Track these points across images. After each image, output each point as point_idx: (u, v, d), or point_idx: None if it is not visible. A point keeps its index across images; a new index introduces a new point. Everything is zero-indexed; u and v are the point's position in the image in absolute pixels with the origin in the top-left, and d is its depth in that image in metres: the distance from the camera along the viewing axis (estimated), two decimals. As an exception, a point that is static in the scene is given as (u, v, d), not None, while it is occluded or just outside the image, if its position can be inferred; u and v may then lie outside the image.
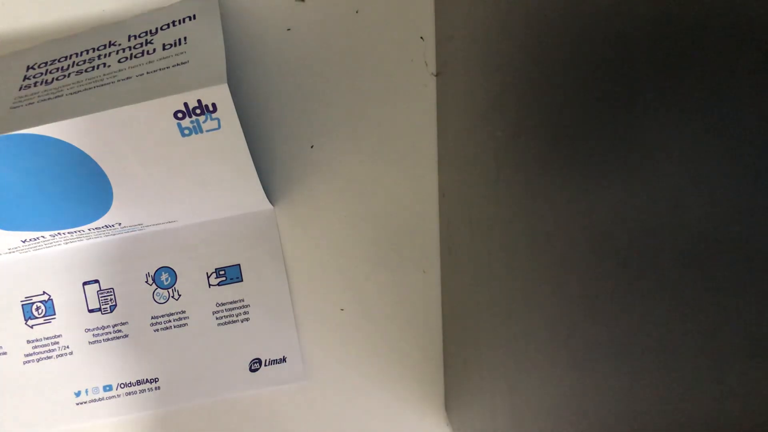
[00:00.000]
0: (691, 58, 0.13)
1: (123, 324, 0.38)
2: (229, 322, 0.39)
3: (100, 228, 0.36)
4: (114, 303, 0.38)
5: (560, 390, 0.20)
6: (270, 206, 0.38)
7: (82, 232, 0.36)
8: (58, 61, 0.34)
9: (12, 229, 0.35)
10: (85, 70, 0.33)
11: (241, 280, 0.38)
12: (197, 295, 0.38)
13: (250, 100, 0.37)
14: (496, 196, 0.26)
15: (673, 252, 0.14)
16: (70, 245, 0.37)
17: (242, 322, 0.39)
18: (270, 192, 0.38)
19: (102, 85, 0.32)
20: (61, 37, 0.36)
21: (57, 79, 0.33)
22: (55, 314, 0.38)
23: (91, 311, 0.38)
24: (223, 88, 0.30)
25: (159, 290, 0.38)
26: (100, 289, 0.38)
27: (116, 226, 0.36)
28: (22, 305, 0.38)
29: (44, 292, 0.38)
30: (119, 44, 0.34)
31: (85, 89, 0.32)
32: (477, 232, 0.29)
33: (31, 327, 0.38)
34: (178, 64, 0.32)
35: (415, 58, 0.37)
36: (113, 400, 0.39)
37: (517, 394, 0.24)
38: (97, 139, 0.31)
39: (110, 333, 0.38)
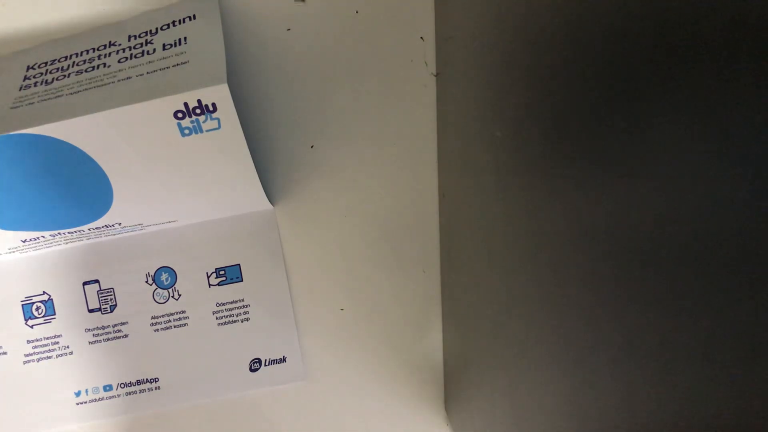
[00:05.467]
0: (692, 57, 0.13)
1: (123, 324, 0.38)
2: (229, 322, 0.39)
3: (100, 228, 0.36)
4: (114, 303, 0.38)
5: (560, 390, 0.20)
6: (270, 206, 0.38)
7: (82, 232, 0.36)
8: (58, 61, 0.34)
9: (12, 229, 0.35)
10: (85, 70, 0.33)
11: (241, 280, 0.38)
12: (197, 295, 0.38)
13: (250, 100, 0.37)
14: (496, 196, 0.26)
15: (673, 252, 0.14)
16: (70, 245, 0.37)
17: (242, 322, 0.39)
18: (270, 192, 0.38)
19: (102, 85, 0.32)
20: (61, 37, 0.36)
21: (57, 79, 0.33)
22: (55, 314, 0.38)
23: (91, 311, 0.38)
24: (223, 88, 0.30)
25: (159, 290, 0.38)
26: (100, 289, 0.38)
27: (116, 226, 0.36)
28: (22, 305, 0.38)
29: (44, 292, 0.38)
30: (119, 44, 0.34)
31: (85, 89, 0.32)
32: (477, 232, 0.29)
33: (31, 327, 0.38)
34: (178, 64, 0.32)
35: (415, 58, 0.37)
36: (113, 400, 0.39)
37: (517, 394, 0.24)
38: (97, 139, 0.31)
39: (110, 333, 0.38)
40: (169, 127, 0.31)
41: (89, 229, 0.36)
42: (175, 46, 0.33)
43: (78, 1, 0.35)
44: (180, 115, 0.31)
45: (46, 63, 0.35)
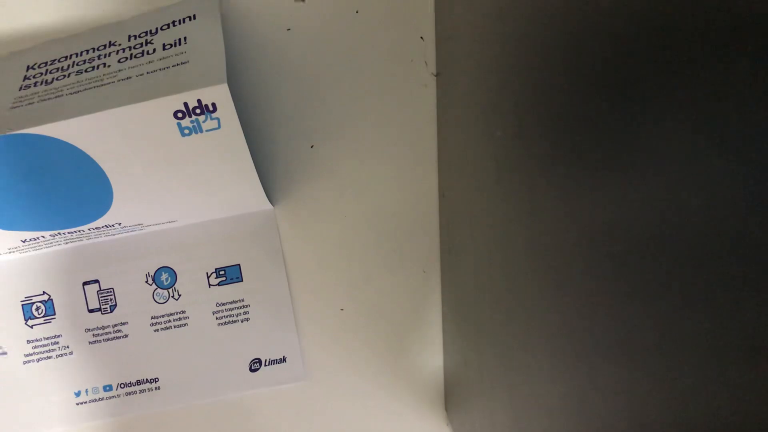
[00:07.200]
0: (692, 56, 0.13)
1: (123, 324, 0.38)
2: (229, 322, 0.39)
3: (100, 228, 0.36)
4: (114, 303, 0.38)
5: (560, 390, 0.20)
6: (270, 206, 0.38)
7: (82, 232, 0.36)
8: (58, 61, 0.34)
9: (12, 229, 0.35)
10: (85, 70, 0.33)
11: (241, 280, 0.38)
12: (197, 295, 0.38)
13: (250, 100, 0.37)
14: (496, 196, 0.26)
15: (673, 252, 0.14)
16: (70, 245, 0.37)
17: (242, 322, 0.39)
18: (270, 192, 0.38)
19: (102, 85, 0.32)
20: (61, 37, 0.36)
21: (57, 79, 0.33)
22: (55, 314, 0.38)
23: (91, 311, 0.38)
24: (223, 88, 0.30)
25: (159, 290, 0.38)
26: (100, 289, 0.38)
27: (116, 226, 0.36)
28: (22, 305, 0.38)
29: (44, 292, 0.38)
30: (119, 44, 0.34)
31: (85, 89, 0.32)
32: (477, 232, 0.29)
33: (31, 327, 0.38)
34: (178, 64, 0.32)
35: (415, 58, 0.37)
36: (113, 400, 0.39)
37: (517, 394, 0.24)
38: (97, 139, 0.31)
39: (110, 333, 0.38)
40: (169, 127, 0.31)
41: (89, 229, 0.36)
42: (175, 46, 0.33)
43: (78, 1, 0.35)
44: (180, 114, 0.31)
45: (46, 63, 0.35)
